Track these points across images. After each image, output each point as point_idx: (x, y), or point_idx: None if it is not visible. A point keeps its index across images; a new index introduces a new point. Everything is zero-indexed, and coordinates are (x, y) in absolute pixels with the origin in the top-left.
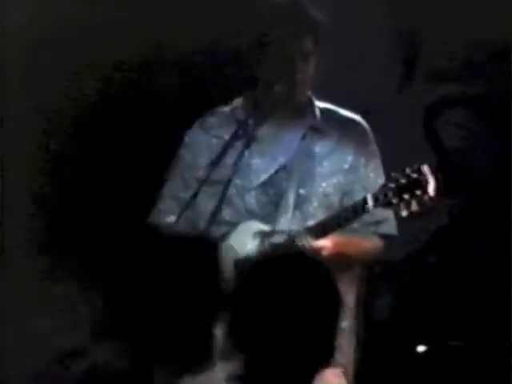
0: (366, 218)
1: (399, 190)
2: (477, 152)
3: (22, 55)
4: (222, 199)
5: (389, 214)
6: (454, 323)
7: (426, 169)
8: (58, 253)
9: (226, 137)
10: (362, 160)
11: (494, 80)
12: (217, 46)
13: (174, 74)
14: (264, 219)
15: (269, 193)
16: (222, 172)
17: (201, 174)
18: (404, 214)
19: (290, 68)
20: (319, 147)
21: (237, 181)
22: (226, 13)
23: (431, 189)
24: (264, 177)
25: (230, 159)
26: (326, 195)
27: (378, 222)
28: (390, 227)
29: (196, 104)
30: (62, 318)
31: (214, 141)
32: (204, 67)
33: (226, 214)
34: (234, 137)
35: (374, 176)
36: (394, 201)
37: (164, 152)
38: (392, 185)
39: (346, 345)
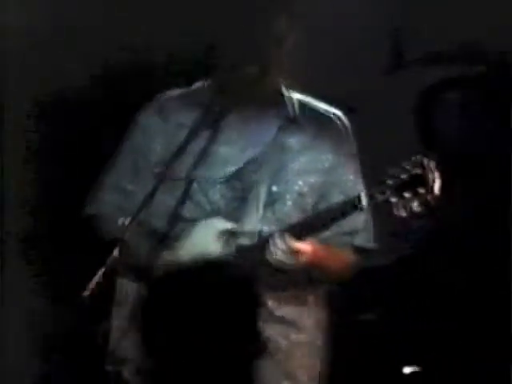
0: (342, 225)
1: (399, 188)
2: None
3: (22, 56)
4: (185, 194)
5: (367, 223)
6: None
7: (430, 164)
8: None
9: (188, 123)
10: (342, 160)
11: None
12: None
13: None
14: (229, 217)
15: (236, 187)
16: (183, 163)
17: (156, 164)
18: (403, 214)
19: (261, 51)
20: (294, 141)
21: (199, 173)
22: None
23: (437, 187)
24: (231, 169)
25: (192, 148)
26: (300, 194)
27: (352, 232)
28: (367, 239)
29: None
30: None
31: (173, 127)
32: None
33: (186, 210)
34: (198, 124)
35: (353, 179)
36: (393, 199)
37: None
38: (390, 181)
39: (306, 358)
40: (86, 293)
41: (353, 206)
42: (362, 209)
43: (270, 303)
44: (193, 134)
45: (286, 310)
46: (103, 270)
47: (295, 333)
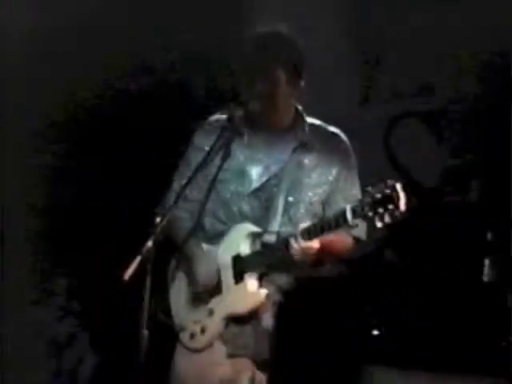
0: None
1: (374, 205)
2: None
3: (21, 57)
4: (222, 204)
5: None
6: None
7: (398, 186)
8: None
9: (221, 143)
10: (344, 173)
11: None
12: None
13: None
14: (256, 222)
15: (261, 198)
16: (225, 181)
17: (207, 174)
18: (379, 225)
19: (258, 92)
20: (308, 160)
21: (231, 186)
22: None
23: (402, 204)
24: (257, 184)
25: (229, 167)
26: (311, 203)
27: (350, 226)
28: (361, 232)
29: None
30: None
31: (214, 149)
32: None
33: (222, 214)
34: (232, 146)
35: (350, 187)
36: (370, 214)
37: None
38: (368, 199)
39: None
40: (126, 276)
41: (342, 219)
42: (348, 222)
43: None
44: (228, 156)
45: None
46: (139, 257)
47: None
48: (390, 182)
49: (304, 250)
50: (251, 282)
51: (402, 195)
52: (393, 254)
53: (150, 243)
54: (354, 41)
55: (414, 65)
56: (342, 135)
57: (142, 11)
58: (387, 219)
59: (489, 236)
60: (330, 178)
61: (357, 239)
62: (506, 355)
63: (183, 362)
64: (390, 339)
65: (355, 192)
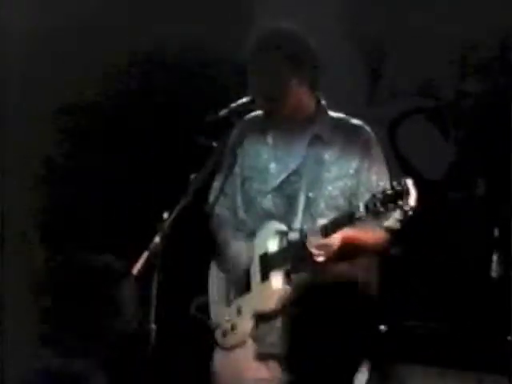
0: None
1: (385, 200)
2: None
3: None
4: (248, 202)
5: (390, 206)
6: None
7: (409, 182)
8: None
9: (248, 144)
10: (366, 165)
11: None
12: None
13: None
14: (280, 219)
15: (283, 195)
16: (250, 179)
17: (238, 173)
18: (390, 223)
19: (264, 93)
20: (327, 154)
21: (255, 184)
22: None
23: (412, 200)
24: (277, 181)
25: (250, 165)
26: (332, 197)
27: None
28: (394, 222)
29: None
30: None
31: (243, 148)
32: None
33: (249, 212)
34: (255, 145)
35: (375, 179)
36: (381, 209)
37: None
38: (380, 196)
39: None
40: (135, 271)
41: (355, 215)
42: (361, 218)
43: None
44: (252, 155)
45: None
46: (147, 253)
47: None
48: (402, 179)
49: (323, 247)
50: (276, 280)
51: (412, 191)
52: (399, 250)
53: (157, 239)
54: (355, 41)
55: (414, 65)
56: (366, 127)
57: (142, 11)
58: (398, 215)
59: (496, 232)
60: (351, 171)
61: (389, 230)
62: None
63: (219, 360)
64: (395, 335)
65: (382, 183)
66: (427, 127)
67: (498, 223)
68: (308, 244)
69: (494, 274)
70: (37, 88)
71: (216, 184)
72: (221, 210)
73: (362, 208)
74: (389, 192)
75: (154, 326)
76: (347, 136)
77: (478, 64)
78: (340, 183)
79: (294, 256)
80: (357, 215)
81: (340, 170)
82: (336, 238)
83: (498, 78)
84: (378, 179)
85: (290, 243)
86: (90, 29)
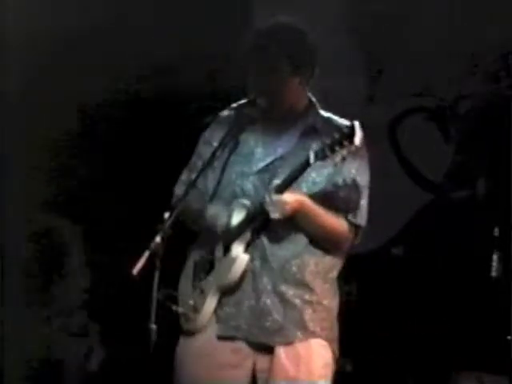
0: (338, 204)
1: (333, 144)
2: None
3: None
4: (229, 183)
5: (362, 203)
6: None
7: (356, 124)
8: None
9: (236, 133)
10: (349, 158)
11: None
12: None
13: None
14: (255, 200)
15: (264, 178)
16: (233, 162)
17: (215, 167)
18: (337, 160)
19: (262, 87)
20: (316, 144)
21: (237, 167)
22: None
23: (357, 140)
24: (262, 164)
25: (240, 150)
26: (314, 183)
27: (348, 209)
28: (360, 218)
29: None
30: None
31: (228, 136)
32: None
33: (226, 194)
34: (243, 132)
35: (355, 173)
36: (328, 154)
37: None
38: (328, 141)
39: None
40: (135, 271)
41: (306, 163)
42: (310, 164)
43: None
44: (236, 148)
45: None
46: (148, 252)
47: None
48: (350, 123)
49: (277, 203)
50: (236, 250)
51: (358, 132)
52: (399, 250)
53: (158, 238)
54: (356, 41)
55: (414, 65)
56: (356, 125)
57: (143, 12)
58: (343, 153)
59: (496, 232)
60: (337, 159)
61: (352, 223)
62: None
63: (182, 346)
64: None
65: (358, 178)
66: (427, 127)
67: (498, 223)
68: (265, 204)
69: (494, 273)
70: (37, 88)
71: (184, 178)
72: (190, 201)
73: (311, 156)
74: (336, 136)
75: (154, 326)
76: (336, 131)
77: (478, 64)
78: (324, 170)
79: (251, 223)
80: (307, 163)
81: (324, 160)
82: (290, 196)
83: (498, 78)
84: (357, 174)
85: (249, 212)
86: (90, 29)
